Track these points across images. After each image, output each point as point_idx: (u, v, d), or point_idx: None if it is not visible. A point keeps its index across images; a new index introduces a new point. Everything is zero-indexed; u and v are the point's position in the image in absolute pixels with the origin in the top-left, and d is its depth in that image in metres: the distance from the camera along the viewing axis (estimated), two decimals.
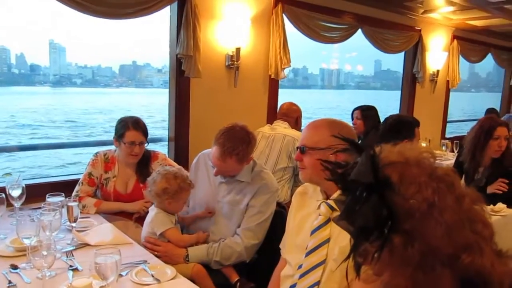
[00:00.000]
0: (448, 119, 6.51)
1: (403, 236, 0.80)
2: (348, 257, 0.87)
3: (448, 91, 6.20)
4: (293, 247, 1.83)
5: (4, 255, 1.92)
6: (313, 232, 1.72)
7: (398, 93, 5.88)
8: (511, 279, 0.84)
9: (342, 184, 0.90)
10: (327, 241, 1.67)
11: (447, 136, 6.34)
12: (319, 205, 1.73)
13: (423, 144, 4.59)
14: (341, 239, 1.63)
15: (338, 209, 1.64)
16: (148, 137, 2.71)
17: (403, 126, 3.01)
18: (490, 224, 0.86)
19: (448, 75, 6.05)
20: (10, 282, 1.68)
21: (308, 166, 1.72)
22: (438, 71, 5.78)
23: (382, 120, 4.13)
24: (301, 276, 1.71)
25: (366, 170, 0.83)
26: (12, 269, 1.79)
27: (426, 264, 0.80)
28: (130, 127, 2.61)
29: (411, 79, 5.61)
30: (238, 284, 2.22)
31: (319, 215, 1.72)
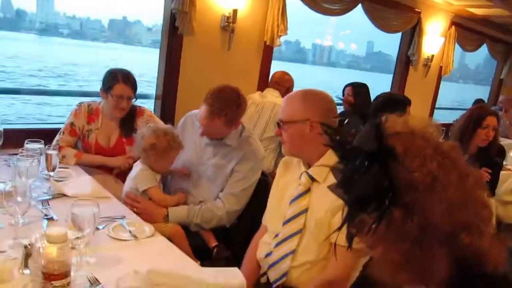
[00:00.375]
0: (436, 106, 6.52)
1: (403, 209, 0.77)
2: (341, 226, 0.84)
3: (439, 78, 6.18)
4: (273, 215, 1.83)
5: None
6: (292, 201, 1.72)
7: (388, 77, 5.84)
8: (504, 262, 0.82)
9: (341, 151, 0.86)
10: (305, 211, 1.68)
11: None
12: (300, 175, 1.73)
13: None
14: (318, 210, 1.63)
15: (318, 180, 1.64)
16: (136, 92, 2.63)
17: (395, 104, 2.98)
18: (489, 206, 0.84)
19: (442, 61, 6.02)
20: None
21: (286, 140, 1.72)
22: (432, 56, 5.74)
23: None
24: (277, 244, 1.71)
25: (370, 138, 0.79)
26: None
27: (423, 240, 0.78)
28: (120, 80, 2.52)
29: (405, 61, 5.56)
30: (216, 249, 2.20)
31: (299, 185, 1.71)
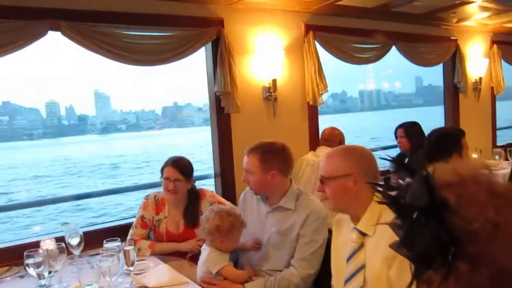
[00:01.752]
0: (497, 127, 6.24)
1: (469, 261, 0.75)
2: (410, 284, 0.83)
3: (493, 98, 5.97)
4: (336, 275, 1.83)
5: None
6: (348, 259, 1.72)
7: (441, 108, 5.71)
8: None
9: (396, 208, 0.87)
10: (363, 267, 1.66)
11: (498, 144, 6.07)
12: (352, 231, 1.73)
13: (474, 155, 4.41)
14: (373, 264, 1.61)
15: (368, 234, 1.62)
16: (194, 175, 2.78)
17: (448, 139, 2.90)
18: None
19: (492, 81, 5.84)
20: None
21: (329, 196, 1.74)
22: (480, 78, 5.60)
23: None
24: None
25: (421, 193, 0.80)
26: None
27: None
28: (168, 164, 2.71)
29: (453, 90, 5.44)
30: None
31: (352, 241, 1.71)
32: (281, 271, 2.25)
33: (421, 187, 0.81)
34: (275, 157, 2.32)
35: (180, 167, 2.70)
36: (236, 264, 2.45)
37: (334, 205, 1.76)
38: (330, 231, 2.36)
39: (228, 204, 2.77)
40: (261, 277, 2.28)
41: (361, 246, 1.67)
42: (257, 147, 2.34)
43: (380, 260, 1.57)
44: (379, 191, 0.91)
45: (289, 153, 2.38)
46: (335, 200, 1.73)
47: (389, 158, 0.94)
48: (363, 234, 1.66)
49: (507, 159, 4.86)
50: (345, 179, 1.68)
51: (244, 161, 2.38)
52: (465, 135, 2.93)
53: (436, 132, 3.01)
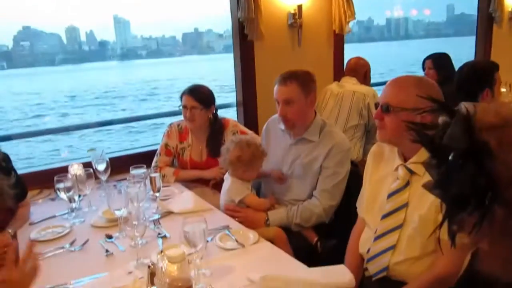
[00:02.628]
0: None
1: (506, 206, 0.74)
2: (441, 224, 0.83)
3: None
4: (371, 209, 1.80)
5: (98, 225, 2.08)
6: (390, 195, 1.68)
7: (473, 39, 5.42)
8: None
9: (431, 148, 0.84)
10: (405, 205, 1.63)
11: None
12: (397, 168, 1.68)
13: (503, 90, 4.25)
14: (421, 205, 1.58)
15: (417, 173, 1.59)
16: (216, 104, 2.77)
17: (481, 74, 2.78)
18: None
19: None
20: (107, 250, 1.82)
21: (389, 126, 1.62)
22: None
23: (456, 68, 3.88)
24: (376, 239, 1.69)
25: (460, 134, 0.77)
26: (108, 238, 1.92)
27: None
28: (186, 92, 2.70)
29: (487, 20, 5.15)
30: (319, 243, 2.24)
31: (397, 178, 1.67)
32: (302, 201, 2.29)
33: (461, 128, 0.77)
34: (311, 81, 2.30)
35: (197, 95, 2.68)
36: (258, 193, 2.49)
37: (390, 137, 1.65)
38: (352, 163, 2.38)
39: (250, 133, 2.77)
40: (283, 207, 2.32)
41: (407, 184, 1.63)
42: (291, 75, 2.27)
43: (430, 203, 1.53)
44: (414, 130, 0.88)
45: (315, 80, 2.34)
46: (394, 132, 1.61)
47: (431, 98, 0.90)
48: (412, 173, 1.62)
49: None
50: (412, 113, 1.53)
51: (279, 92, 2.28)
52: (499, 69, 2.80)
53: (468, 65, 2.88)
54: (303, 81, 2.26)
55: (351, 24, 3.78)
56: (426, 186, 0.87)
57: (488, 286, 0.97)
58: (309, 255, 2.14)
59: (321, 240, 2.26)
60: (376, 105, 1.68)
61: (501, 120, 0.78)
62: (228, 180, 2.34)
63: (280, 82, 2.28)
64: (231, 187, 2.30)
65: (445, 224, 0.83)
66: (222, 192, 2.39)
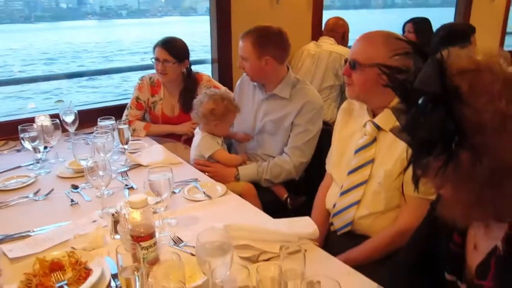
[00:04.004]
0: (507, 31, 6.00)
1: (472, 151, 0.74)
2: (406, 168, 0.83)
3: (509, 0, 5.65)
4: (337, 165, 1.81)
5: (64, 176, 2.04)
6: (357, 151, 1.69)
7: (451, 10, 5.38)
8: None
9: (402, 92, 0.84)
10: (371, 161, 1.64)
11: (505, 48, 5.88)
12: (365, 124, 1.68)
13: None
14: (386, 160, 1.59)
15: (384, 129, 1.59)
16: (191, 59, 2.71)
17: (457, 36, 2.78)
18: None
19: None
20: (72, 200, 1.78)
21: (356, 82, 1.61)
22: None
23: None
24: (342, 194, 1.71)
25: (433, 78, 0.76)
26: (73, 189, 1.89)
27: (494, 180, 0.75)
28: (159, 44, 2.63)
29: None
30: (289, 199, 2.26)
31: (365, 134, 1.67)
32: (274, 157, 2.29)
33: (433, 72, 0.77)
34: (269, 42, 2.23)
35: (170, 48, 2.61)
36: (230, 149, 2.48)
37: (358, 93, 1.64)
38: (325, 123, 2.38)
39: (223, 89, 2.73)
40: (255, 162, 2.32)
41: (374, 140, 1.64)
42: (251, 31, 2.24)
43: (396, 158, 1.54)
44: (385, 74, 0.87)
45: (286, 38, 2.27)
46: (362, 88, 1.60)
47: (404, 39, 0.88)
48: (379, 129, 1.62)
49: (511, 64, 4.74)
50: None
51: (239, 47, 2.30)
52: (475, 32, 2.81)
53: (444, 28, 2.88)
54: (257, 40, 2.21)
55: None
56: (393, 131, 0.87)
57: (445, 231, 0.99)
58: (278, 210, 2.16)
59: (291, 196, 2.28)
60: (346, 61, 1.66)
61: (473, 65, 0.78)
62: (198, 134, 2.31)
63: (240, 36, 2.29)
64: (202, 142, 2.27)
65: (408, 180, 0.83)
66: (192, 147, 2.36)
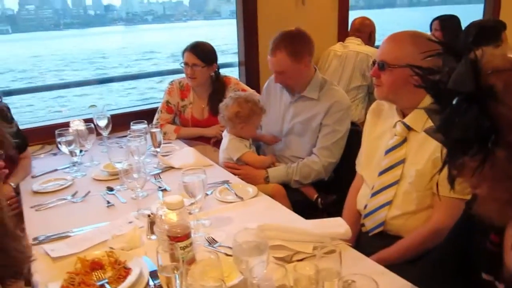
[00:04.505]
0: None
1: (508, 149, 0.74)
2: (441, 169, 0.83)
3: None
4: (368, 165, 1.81)
5: (99, 178, 2.10)
6: (387, 151, 1.68)
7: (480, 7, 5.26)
8: None
9: (435, 92, 0.84)
10: (402, 161, 1.63)
11: None
12: (395, 124, 1.68)
13: None
14: (418, 160, 1.58)
15: (415, 129, 1.59)
16: (218, 62, 2.75)
17: (487, 33, 2.73)
18: None
19: None
20: (108, 202, 1.84)
21: (385, 83, 1.62)
22: None
23: None
24: (373, 195, 1.71)
25: (467, 78, 0.76)
26: (109, 191, 1.95)
27: None
28: (188, 49, 2.67)
29: None
30: (320, 199, 2.27)
31: (395, 134, 1.67)
32: (303, 158, 2.30)
33: (467, 71, 0.77)
34: (300, 44, 2.23)
35: (199, 52, 2.65)
36: (258, 151, 2.51)
37: (387, 94, 1.64)
38: (353, 123, 2.38)
39: (251, 91, 2.76)
40: (283, 164, 2.34)
41: (404, 140, 1.63)
42: (278, 44, 2.21)
43: (427, 158, 1.54)
44: (418, 75, 0.88)
45: (308, 36, 2.29)
46: (391, 89, 1.61)
47: (435, 39, 0.89)
48: (409, 129, 1.62)
49: None
50: (409, 69, 1.56)
51: (270, 63, 2.27)
52: (506, 29, 2.75)
53: (474, 25, 2.83)
54: (292, 48, 2.20)
55: None
56: (427, 131, 0.87)
57: (482, 230, 0.99)
58: (308, 210, 2.17)
59: (321, 196, 2.29)
60: (374, 62, 1.66)
61: (508, 64, 0.78)
62: (226, 137, 2.35)
63: (270, 52, 2.25)
64: (229, 145, 2.30)
65: (442, 180, 0.83)
66: (220, 150, 2.40)
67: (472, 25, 2.91)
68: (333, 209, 2.13)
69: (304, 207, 2.17)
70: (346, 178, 2.19)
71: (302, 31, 2.27)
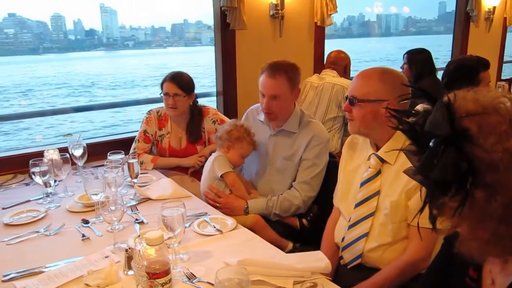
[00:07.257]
0: (504, 60, 6.12)
1: (486, 190, 0.76)
2: (422, 209, 0.85)
3: (505, 29, 5.79)
4: (344, 198, 1.84)
5: (74, 210, 2.05)
6: (362, 184, 1.72)
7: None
8: None
9: (412, 135, 0.86)
10: (377, 193, 1.67)
11: (503, 77, 6.00)
12: (369, 157, 1.72)
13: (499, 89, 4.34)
14: (392, 192, 1.62)
15: (388, 162, 1.63)
16: (196, 92, 2.76)
17: (465, 72, 2.75)
18: None
19: (506, 11, 5.64)
20: (83, 235, 1.79)
21: (356, 118, 1.68)
22: (494, 8, 5.40)
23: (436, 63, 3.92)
24: (350, 227, 1.73)
25: (442, 121, 0.78)
26: (84, 223, 1.90)
27: (508, 216, 0.77)
28: (167, 79, 2.68)
29: (465, 19, 5.26)
30: (303, 220, 2.30)
31: (369, 167, 1.71)
32: (282, 192, 2.30)
33: (442, 115, 0.79)
34: (297, 74, 2.27)
35: (179, 82, 2.66)
36: None
37: (359, 128, 1.69)
38: (330, 155, 2.40)
39: (229, 121, 2.77)
40: (262, 196, 2.33)
41: (378, 173, 1.67)
42: (279, 67, 2.21)
43: (400, 190, 1.58)
44: (395, 117, 0.90)
45: None
46: (363, 123, 1.67)
47: (409, 84, 0.92)
48: (383, 161, 1.66)
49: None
50: (378, 104, 1.61)
51: (267, 85, 2.21)
52: (488, 68, 2.80)
53: (454, 62, 2.90)
54: (291, 74, 2.22)
55: (341, 18, 3.82)
56: (407, 172, 0.89)
57: (462, 267, 1.00)
58: (292, 231, 2.25)
59: (303, 217, 2.31)
60: (346, 98, 1.72)
61: (480, 107, 0.81)
62: (213, 155, 2.35)
63: (268, 74, 2.20)
64: (217, 159, 2.29)
65: (413, 211, 0.85)
66: (204, 170, 2.38)
67: (452, 62, 2.97)
68: (318, 223, 2.14)
69: (287, 229, 2.25)
70: (323, 209, 2.22)
71: (296, 64, 2.30)
